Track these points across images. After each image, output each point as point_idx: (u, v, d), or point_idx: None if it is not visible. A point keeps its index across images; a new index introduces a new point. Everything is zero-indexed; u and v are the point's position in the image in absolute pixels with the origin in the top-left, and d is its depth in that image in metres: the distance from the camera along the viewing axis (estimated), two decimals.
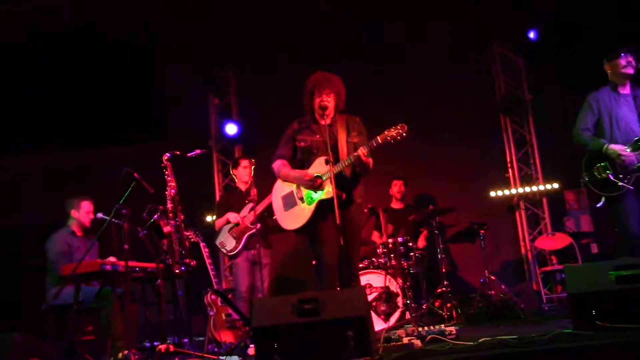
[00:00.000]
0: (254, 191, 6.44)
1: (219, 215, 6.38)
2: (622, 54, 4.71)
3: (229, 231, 6.25)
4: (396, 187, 7.66)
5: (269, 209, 6.08)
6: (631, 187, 4.50)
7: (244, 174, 6.48)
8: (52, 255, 5.57)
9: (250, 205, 6.26)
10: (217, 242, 6.23)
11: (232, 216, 6.26)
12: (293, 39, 8.44)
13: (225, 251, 6.21)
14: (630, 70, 4.68)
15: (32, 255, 6.05)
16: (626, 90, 4.78)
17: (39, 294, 5.57)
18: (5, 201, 8.22)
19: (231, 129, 8.63)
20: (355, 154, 4.24)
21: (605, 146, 4.60)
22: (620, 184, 4.50)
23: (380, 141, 4.23)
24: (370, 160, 4.32)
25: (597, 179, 4.62)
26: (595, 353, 3.03)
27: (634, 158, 4.52)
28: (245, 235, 6.17)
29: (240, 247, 6.15)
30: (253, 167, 6.52)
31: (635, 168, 4.51)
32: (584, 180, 4.72)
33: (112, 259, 5.15)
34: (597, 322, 3.39)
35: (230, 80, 9.05)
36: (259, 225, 6.15)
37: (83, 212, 5.79)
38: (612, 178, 4.53)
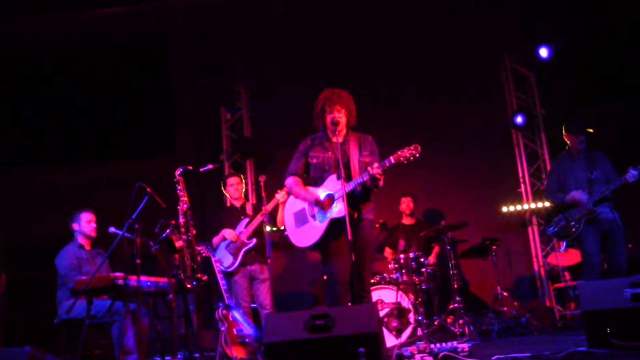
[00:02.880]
0: (249, 206, 6.46)
1: (216, 233, 6.38)
2: (571, 135, 5.73)
3: (226, 248, 6.25)
4: (404, 204, 7.65)
5: (272, 220, 6.12)
6: (582, 229, 5.48)
7: (233, 191, 6.49)
8: (62, 269, 5.60)
9: (246, 220, 6.27)
10: (215, 260, 6.21)
11: (228, 233, 6.25)
12: (305, 54, 8.47)
13: (222, 268, 6.19)
14: (583, 145, 5.70)
15: (44, 269, 6.06)
16: (581, 153, 5.73)
17: (51, 308, 5.59)
18: (17, 216, 8.28)
19: (244, 144, 8.66)
20: (371, 173, 4.21)
21: (563, 199, 5.62)
22: (572, 229, 5.53)
23: (393, 161, 4.21)
24: (382, 178, 4.32)
25: (557, 230, 5.67)
26: None
27: (584, 196, 5.50)
28: (242, 251, 6.16)
29: (237, 263, 6.14)
30: (244, 182, 6.54)
31: (583, 213, 5.47)
32: (547, 232, 5.85)
33: (119, 274, 5.17)
34: (612, 339, 3.35)
35: (242, 95, 9.10)
36: (255, 240, 6.15)
37: (84, 223, 5.82)
38: (563, 224, 5.61)
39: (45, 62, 8.20)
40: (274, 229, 6.93)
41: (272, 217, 6.20)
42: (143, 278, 4.91)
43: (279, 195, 6.04)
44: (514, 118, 8.26)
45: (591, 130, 5.71)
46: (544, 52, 8.16)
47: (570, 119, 5.89)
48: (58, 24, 7.81)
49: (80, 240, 5.83)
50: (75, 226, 5.85)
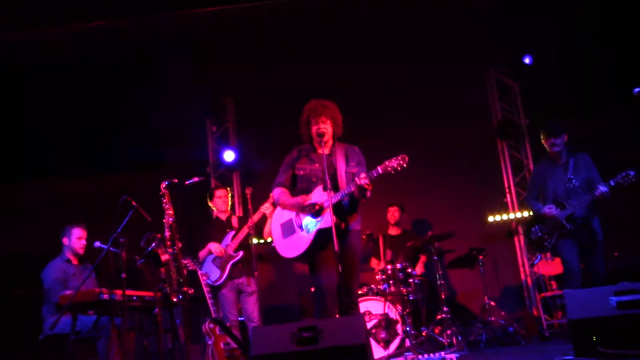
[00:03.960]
0: (235, 219, 6.45)
1: (202, 247, 6.35)
2: (546, 138, 5.65)
3: (212, 261, 6.23)
4: (390, 213, 7.66)
5: (259, 232, 6.10)
6: (555, 243, 5.50)
7: (220, 203, 6.48)
8: (47, 283, 5.55)
9: (232, 233, 6.25)
10: (201, 273, 6.17)
11: (214, 247, 6.23)
12: (292, 66, 8.49)
13: (210, 281, 6.15)
14: (556, 149, 5.61)
15: (29, 284, 6.00)
16: (562, 160, 5.65)
17: (36, 324, 5.53)
18: (1, 230, 8.19)
19: (229, 156, 8.65)
20: (359, 183, 4.22)
21: (541, 210, 5.57)
22: (545, 243, 5.57)
23: (380, 172, 4.22)
24: (370, 188, 4.32)
25: (533, 241, 5.71)
26: None
27: (557, 213, 5.46)
28: (229, 264, 6.14)
29: (224, 276, 6.12)
30: (230, 195, 6.53)
31: (555, 227, 5.49)
32: (526, 241, 5.97)
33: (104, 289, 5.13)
34: (599, 348, 3.36)
35: (229, 107, 9.10)
36: (241, 252, 6.13)
37: (74, 239, 5.77)
38: (539, 236, 5.64)
39: (29, 74, 8.15)
40: (261, 241, 6.91)
41: (259, 230, 6.18)
42: (129, 292, 4.87)
43: (265, 208, 6.02)
44: (523, 58, 8.27)
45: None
46: (526, 61, 8.26)
47: (547, 123, 5.79)
48: (42, 36, 7.77)
49: (68, 254, 5.79)
50: (65, 240, 5.81)
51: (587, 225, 5.43)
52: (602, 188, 5.25)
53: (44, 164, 8.51)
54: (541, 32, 8.06)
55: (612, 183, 5.26)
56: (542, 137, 5.74)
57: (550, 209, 5.50)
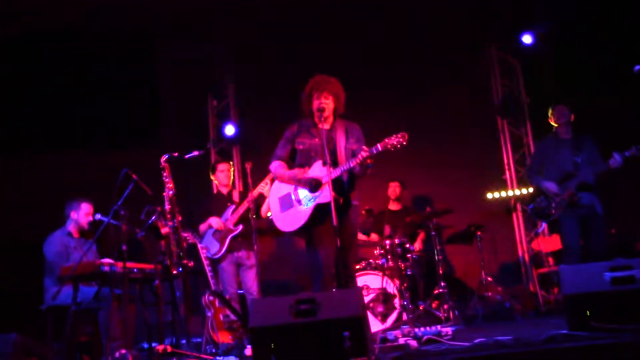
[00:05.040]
0: (235, 193, 6.47)
1: (202, 220, 6.39)
2: (555, 109, 5.78)
3: (212, 235, 6.27)
4: (391, 189, 7.69)
5: (257, 210, 6.12)
6: (561, 213, 5.56)
7: (222, 177, 6.49)
8: (49, 256, 5.60)
9: (232, 207, 6.28)
10: (201, 246, 6.22)
11: (214, 221, 6.26)
12: (293, 41, 8.45)
13: (209, 254, 6.20)
14: (563, 120, 5.74)
15: (31, 255, 6.05)
16: (567, 135, 5.76)
17: (37, 295, 5.59)
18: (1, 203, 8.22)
19: (229, 130, 8.65)
20: (358, 159, 4.24)
21: (541, 183, 5.71)
22: (552, 211, 5.61)
23: (380, 149, 4.23)
24: (372, 162, 4.34)
25: (537, 209, 5.74)
26: (590, 353, 3.06)
27: (558, 190, 5.58)
28: (229, 238, 6.18)
29: (223, 250, 6.16)
30: (232, 169, 6.55)
31: (562, 198, 5.55)
32: (528, 210, 5.97)
33: (106, 260, 5.17)
34: (592, 322, 3.41)
35: (229, 82, 9.06)
36: (241, 226, 6.16)
37: (82, 214, 5.81)
38: (543, 205, 5.70)
39: (27, 50, 8.10)
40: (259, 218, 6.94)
41: (257, 207, 6.21)
42: (129, 264, 4.92)
43: (262, 187, 6.03)
44: (521, 36, 8.27)
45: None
46: (527, 39, 8.21)
47: (555, 97, 5.92)
48: (43, 13, 7.71)
49: (71, 228, 5.82)
50: (73, 214, 5.83)
51: (590, 199, 5.51)
52: (618, 157, 5.33)
53: (44, 139, 8.50)
54: (543, 10, 8.00)
55: (626, 154, 5.32)
56: (551, 110, 5.82)
57: (551, 185, 5.60)
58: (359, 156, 4.23)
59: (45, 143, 8.48)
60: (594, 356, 3.05)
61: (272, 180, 4.87)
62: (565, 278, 3.63)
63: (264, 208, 6.15)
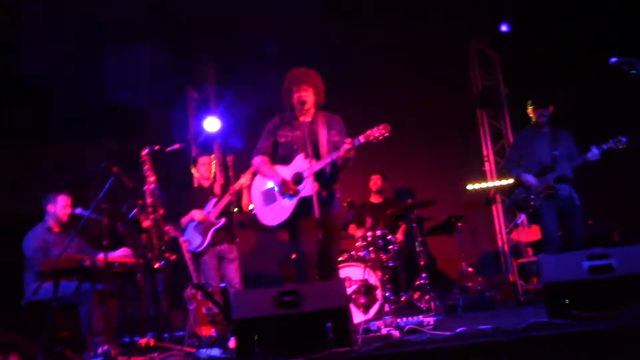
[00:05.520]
0: (217, 186, 6.47)
1: (184, 213, 6.37)
2: (534, 108, 5.83)
3: (194, 228, 6.25)
4: (372, 181, 7.72)
5: (238, 203, 6.12)
6: (540, 204, 5.63)
7: (204, 170, 6.49)
8: (29, 251, 5.53)
9: (214, 200, 6.27)
10: (182, 240, 6.20)
11: (196, 213, 6.25)
12: (275, 30, 8.41)
13: (191, 248, 6.18)
14: (543, 119, 5.81)
15: (10, 251, 5.98)
16: (545, 129, 5.84)
17: (17, 290, 5.54)
18: None
19: (210, 123, 8.59)
20: (342, 151, 4.24)
21: (520, 175, 5.78)
22: (531, 202, 5.66)
23: (362, 140, 4.24)
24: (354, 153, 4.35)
25: (516, 200, 5.82)
26: (569, 341, 3.11)
27: (537, 183, 5.66)
28: (211, 231, 6.17)
29: (206, 243, 6.15)
30: (214, 162, 6.55)
31: (540, 190, 5.63)
32: (507, 202, 6.02)
33: (122, 251, 5.18)
34: (571, 310, 3.47)
35: (210, 73, 9.02)
36: (223, 219, 6.16)
37: (60, 207, 5.72)
38: (522, 197, 5.76)
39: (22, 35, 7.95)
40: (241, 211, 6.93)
41: (238, 200, 6.20)
42: (111, 258, 4.90)
43: (243, 180, 6.03)
44: (500, 26, 8.34)
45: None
46: (504, 28, 8.28)
47: (535, 93, 5.95)
48: None
49: (50, 222, 5.74)
50: (50, 207, 5.74)
51: (568, 191, 5.60)
52: (595, 150, 5.42)
53: (22, 131, 8.39)
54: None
55: (604, 147, 5.41)
56: (529, 106, 5.88)
57: (529, 178, 5.69)
58: (342, 149, 4.24)
59: (22, 136, 8.38)
60: (573, 343, 3.10)
61: (254, 174, 4.86)
62: (544, 267, 3.68)
63: (244, 201, 6.15)
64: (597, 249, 3.63)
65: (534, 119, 5.90)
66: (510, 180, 6.08)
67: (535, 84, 7.98)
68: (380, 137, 4.23)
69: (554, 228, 5.62)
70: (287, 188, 4.40)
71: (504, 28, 8.27)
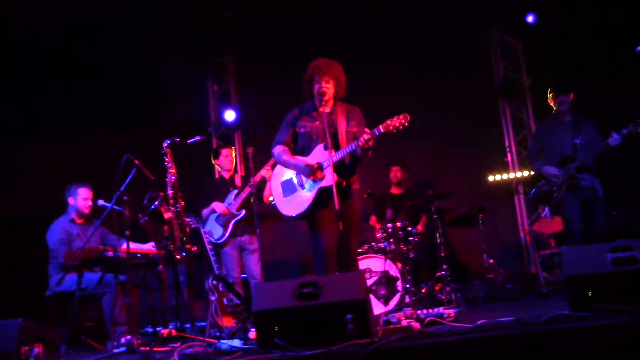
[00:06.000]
0: (238, 178, 6.49)
1: (205, 205, 6.41)
2: (554, 95, 5.76)
3: (216, 219, 6.29)
4: (393, 173, 7.70)
5: (259, 195, 6.14)
6: (563, 196, 5.58)
7: (225, 162, 6.51)
8: (52, 243, 5.62)
9: (235, 192, 6.30)
10: (204, 231, 6.24)
11: (217, 206, 6.28)
12: (294, 24, 8.41)
13: (212, 239, 6.23)
14: (564, 107, 5.73)
15: (35, 242, 6.07)
16: (567, 118, 5.77)
17: (42, 281, 5.62)
18: (5, 189, 8.23)
19: (230, 115, 8.65)
20: (361, 141, 4.23)
21: (541, 168, 5.72)
22: (554, 195, 5.61)
23: (382, 130, 4.22)
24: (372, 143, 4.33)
25: (539, 193, 5.75)
26: (591, 334, 3.08)
27: (559, 173, 5.59)
28: (232, 223, 6.20)
29: (227, 234, 6.19)
30: (234, 154, 6.58)
31: (562, 181, 5.57)
32: (530, 195, 5.95)
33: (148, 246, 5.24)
34: (593, 303, 3.43)
35: (230, 66, 9.05)
36: (244, 211, 6.19)
37: (80, 199, 5.79)
38: (545, 189, 5.70)
39: (29, 33, 8.05)
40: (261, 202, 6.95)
41: (259, 192, 6.22)
42: (133, 250, 4.95)
43: (265, 171, 6.05)
44: (526, 17, 8.25)
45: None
46: (530, 19, 8.17)
47: (556, 80, 5.90)
48: None
49: (73, 214, 5.81)
50: (70, 200, 5.82)
51: (590, 181, 5.53)
52: (616, 136, 5.32)
53: (45, 123, 8.49)
54: None
55: (624, 131, 5.31)
56: (550, 94, 5.81)
57: (551, 169, 5.63)
58: (361, 139, 4.22)
59: (47, 129, 8.47)
60: (595, 337, 3.07)
61: (274, 166, 4.86)
62: (566, 259, 3.64)
63: (265, 193, 6.17)
64: (621, 241, 3.58)
65: (555, 107, 5.82)
66: (532, 172, 6.00)
67: (558, 73, 7.89)
68: (400, 127, 4.20)
69: (577, 220, 5.56)
70: (312, 171, 4.38)
71: (530, 19, 8.16)
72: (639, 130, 5.27)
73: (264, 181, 6.12)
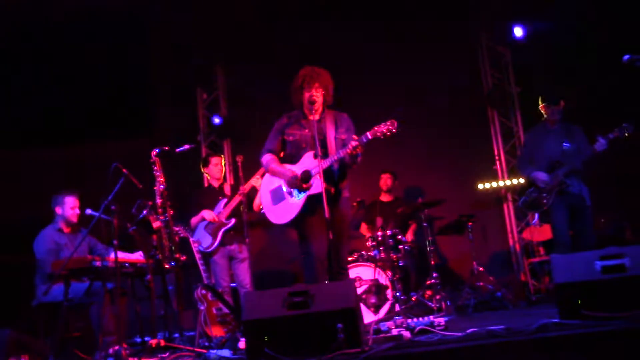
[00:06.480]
0: (227, 187, 6.47)
1: (194, 213, 6.38)
2: (547, 105, 5.77)
3: (205, 228, 6.26)
4: (382, 180, 7.70)
5: (249, 204, 6.12)
6: (552, 202, 5.57)
7: (215, 171, 6.49)
8: (40, 253, 5.55)
9: (224, 200, 6.28)
10: (192, 240, 6.20)
11: (207, 214, 6.26)
12: (282, 33, 8.42)
13: (202, 248, 6.19)
14: (556, 117, 5.75)
15: (21, 251, 6.01)
16: (556, 124, 5.78)
17: (29, 291, 5.56)
18: None
19: (219, 122, 8.65)
20: (348, 148, 4.24)
21: (531, 174, 5.69)
22: (544, 201, 5.60)
23: (370, 137, 4.24)
24: (361, 150, 4.34)
25: (528, 201, 5.74)
26: (581, 342, 3.08)
27: (548, 179, 5.58)
28: (221, 231, 6.18)
29: (216, 243, 6.17)
30: (224, 162, 6.55)
31: (552, 187, 5.56)
32: (520, 202, 5.92)
33: (137, 255, 5.20)
34: (583, 311, 3.43)
35: (219, 74, 9.03)
36: (233, 220, 6.16)
37: (67, 208, 5.73)
38: (534, 196, 5.69)
39: (17, 41, 8.00)
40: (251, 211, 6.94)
41: (249, 200, 6.19)
42: (121, 259, 4.91)
43: (254, 180, 6.02)
44: (512, 28, 8.25)
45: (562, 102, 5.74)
46: (518, 32, 8.20)
47: (547, 90, 5.91)
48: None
49: (61, 224, 5.75)
50: (58, 210, 5.76)
51: (577, 187, 5.54)
52: (602, 140, 5.36)
53: (31, 131, 8.43)
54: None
55: (610, 136, 5.36)
56: (542, 104, 5.82)
57: (541, 175, 5.62)
58: (349, 145, 4.23)
59: (33, 136, 8.42)
60: (585, 344, 3.07)
61: (263, 175, 4.86)
62: (556, 267, 3.65)
63: (256, 202, 6.15)
64: (611, 248, 3.59)
65: (546, 116, 5.84)
66: (522, 180, 6.02)
67: (546, 81, 7.94)
68: (388, 133, 4.22)
69: (565, 227, 5.57)
70: (296, 183, 4.39)
71: (518, 32, 8.17)
72: (624, 134, 5.33)
73: (254, 190, 6.10)
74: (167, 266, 5.10)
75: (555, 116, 5.75)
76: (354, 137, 4.26)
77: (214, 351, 4.00)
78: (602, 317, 3.32)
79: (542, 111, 5.88)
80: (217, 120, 8.62)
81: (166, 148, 5.36)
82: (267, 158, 4.65)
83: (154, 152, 5.30)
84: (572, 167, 5.53)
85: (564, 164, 5.56)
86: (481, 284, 6.86)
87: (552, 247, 7.61)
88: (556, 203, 5.58)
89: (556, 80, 7.88)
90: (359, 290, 6.07)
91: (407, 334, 3.89)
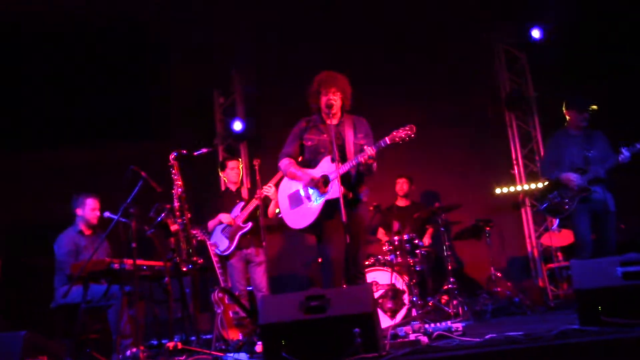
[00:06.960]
0: (244, 190, 6.49)
1: (211, 217, 6.40)
2: (574, 111, 5.68)
3: (222, 231, 6.28)
4: (399, 185, 7.68)
5: (265, 209, 6.12)
6: (575, 208, 5.50)
7: (232, 175, 6.50)
8: (59, 255, 5.60)
9: (241, 204, 6.29)
10: (210, 243, 6.22)
11: (224, 217, 6.27)
12: (299, 36, 8.43)
13: (218, 251, 6.21)
14: (585, 123, 5.66)
15: (41, 253, 6.06)
16: (579, 130, 5.70)
17: (48, 293, 5.61)
18: (11, 199, 8.24)
19: (237, 126, 8.66)
20: (364, 156, 4.24)
21: (560, 176, 5.57)
22: (566, 207, 5.53)
23: (388, 142, 4.24)
24: (374, 162, 4.34)
25: (551, 206, 5.67)
26: (601, 349, 3.04)
27: (580, 180, 5.48)
28: (238, 235, 6.19)
29: (233, 246, 6.17)
30: (241, 166, 6.56)
31: (577, 190, 5.48)
32: (541, 207, 5.85)
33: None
34: (603, 317, 3.39)
35: (235, 78, 9.07)
36: (250, 224, 6.17)
37: (88, 210, 5.78)
38: (557, 201, 5.62)
39: (30, 43, 8.08)
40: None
41: (265, 206, 6.19)
42: (139, 262, 4.94)
43: (266, 190, 5.99)
44: (530, 31, 8.19)
45: (595, 107, 5.65)
46: (536, 34, 8.15)
47: (573, 95, 5.83)
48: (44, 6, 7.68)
49: (81, 225, 5.80)
50: (78, 211, 5.81)
51: (602, 194, 5.47)
52: (626, 152, 5.33)
53: (51, 134, 8.51)
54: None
55: (637, 146, 5.30)
56: (570, 109, 5.72)
57: (574, 175, 5.52)
58: (366, 153, 4.23)
59: (53, 138, 8.50)
60: (606, 351, 3.03)
61: (277, 184, 4.87)
62: (576, 273, 3.60)
63: (270, 209, 6.17)
64: (632, 254, 3.54)
65: (574, 123, 5.72)
66: (539, 185, 5.95)
67: (564, 85, 7.87)
68: (406, 138, 4.21)
69: (588, 233, 5.50)
70: (316, 185, 4.39)
71: (536, 33, 8.12)
72: None
73: (267, 198, 6.11)
74: (184, 269, 5.12)
75: (582, 123, 5.66)
76: (366, 147, 4.24)
77: (231, 354, 4.01)
78: (623, 324, 3.28)
79: (567, 117, 5.78)
80: (238, 126, 8.60)
81: (184, 151, 5.39)
82: (285, 162, 4.65)
83: (172, 156, 5.34)
84: (595, 175, 5.47)
85: (588, 171, 5.50)
86: (499, 289, 6.81)
87: (572, 252, 7.56)
88: (578, 209, 5.51)
89: (578, 82, 7.79)
90: (376, 295, 6.05)
91: (424, 339, 3.87)
